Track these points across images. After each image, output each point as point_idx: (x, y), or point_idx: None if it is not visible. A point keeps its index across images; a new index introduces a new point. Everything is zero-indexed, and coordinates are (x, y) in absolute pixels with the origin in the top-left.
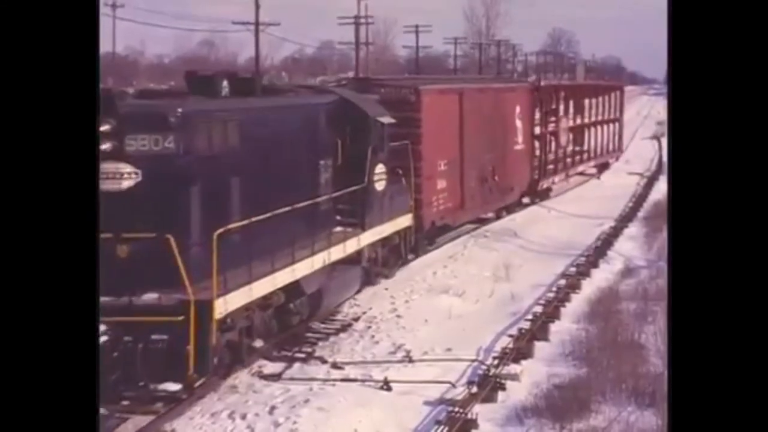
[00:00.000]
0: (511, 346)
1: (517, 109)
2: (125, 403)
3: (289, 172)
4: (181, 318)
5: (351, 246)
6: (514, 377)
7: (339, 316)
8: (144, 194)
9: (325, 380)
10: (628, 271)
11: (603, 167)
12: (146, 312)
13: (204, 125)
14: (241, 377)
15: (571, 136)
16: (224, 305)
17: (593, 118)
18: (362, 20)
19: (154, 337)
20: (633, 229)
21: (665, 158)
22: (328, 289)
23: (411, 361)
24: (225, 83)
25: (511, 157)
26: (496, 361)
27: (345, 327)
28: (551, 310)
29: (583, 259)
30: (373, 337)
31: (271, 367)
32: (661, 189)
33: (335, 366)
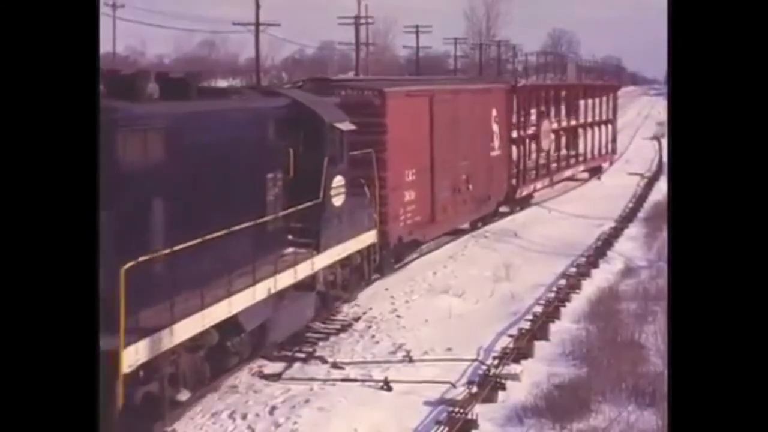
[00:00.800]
0: (511, 346)
1: (494, 111)
2: None
3: (228, 188)
4: None
5: (303, 270)
6: (515, 377)
7: (339, 316)
8: None
9: (325, 380)
10: (628, 271)
11: (595, 171)
12: None
13: (119, 136)
14: (242, 377)
15: (554, 139)
16: (135, 355)
17: (582, 120)
18: (362, 20)
19: None
20: (633, 229)
21: (665, 159)
22: (275, 322)
23: (411, 361)
24: (152, 85)
25: (487, 163)
26: (496, 361)
27: (345, 327)
28: (551, 310)
29: (583, 259)
30: (373, 337)
31: (271, 367)
32: (661, 189)
33: (335, 366)
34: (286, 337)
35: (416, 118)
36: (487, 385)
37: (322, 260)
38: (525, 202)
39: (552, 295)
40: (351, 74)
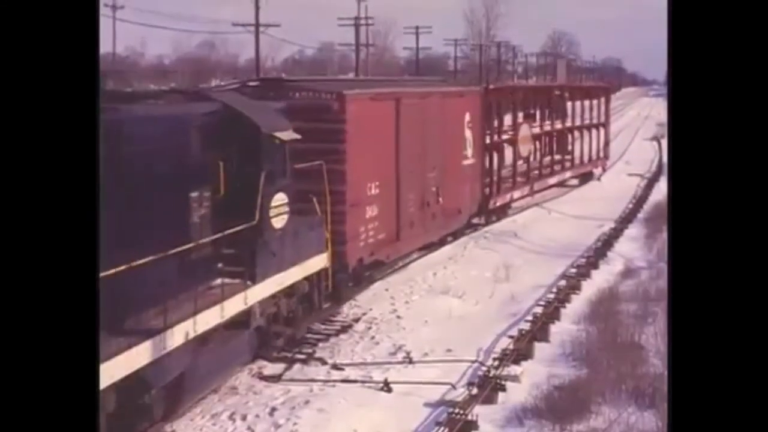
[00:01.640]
0: (511, 347)
1: (467, 116)
2: None
3: (141, 211)
4: None
5: (233, 306)
6: (515, 378)
7: (339, 317)
8: None
9: (325, 381)
10: (628, 272)
11: (586, 177)
12: None
13: None
14: (242, 378)
15: (535, 144)
16: None
17: (569, 124)
18: (362, 21)
19: None
20: (633, 230)
21: (665, 159)
22: (194, 372)
23: (411, 362)
24: None
25: (459, 173)
26: (496, 362)
27: (345, 328)
28: (551, 311)
29: (583, 260)
30: (373, 338)
31: (271, 368)
32: (661, 190)
33: (335, 367)
34: (210, 389)
35: (380, 125)
36: (487, 387)
37: (258, 292)
38: (501, 213)
39: (552, 296)
40: (351, 75)
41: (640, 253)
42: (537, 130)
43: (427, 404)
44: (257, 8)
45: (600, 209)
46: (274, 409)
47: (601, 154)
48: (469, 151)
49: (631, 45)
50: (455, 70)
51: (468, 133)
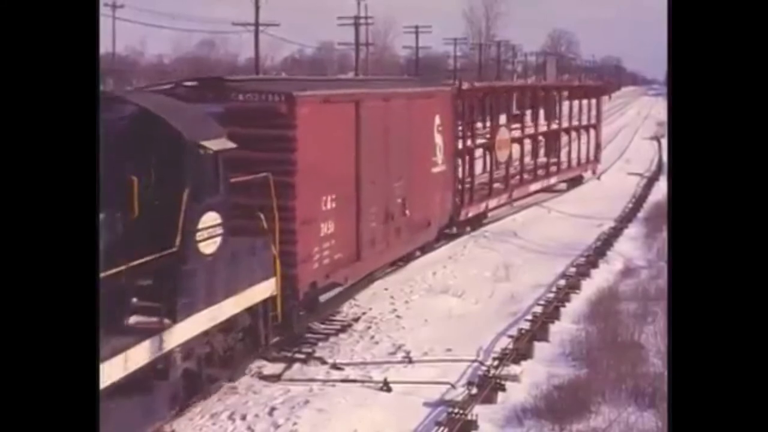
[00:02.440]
0: (510, 346)
1: (437, 119)
2: None
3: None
4: None
5: (141, 354)
6: (514, 378)
7: (339, 317)
8: None
9: (324, 381)
10: (628, 272)
11: (575, 182)
12: None
13: None
14: (241, 378)
15: (515, 149)
16: None
17: (556, 126)
18: (362, 21)
19: None
20: (633, 229)
21: (665, 158)
22: None
23: (411, 361)
24: None
25: (428, 182)
26: (496, 362)
27: (345, 327)
28: (551, 310)
29: (583, 259)
30: (372, 337)
31: (270, 368)
32: (661, 189)
33: (335, 367)
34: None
35: (337, 130)
36: (487, 386)
37: (180, 332)
38: (476, 223)
39: (552, 295)
40: (351, 74)
41: (639, 252)
42: (518, 134)
43: (426, 404)
44: (257, 7)
45: (600, 208)
46: (273, 409)
47: (592, 158)
48: (440, 158)
49: (630, 44)
50: (455, 69)
51: (438, 138)
